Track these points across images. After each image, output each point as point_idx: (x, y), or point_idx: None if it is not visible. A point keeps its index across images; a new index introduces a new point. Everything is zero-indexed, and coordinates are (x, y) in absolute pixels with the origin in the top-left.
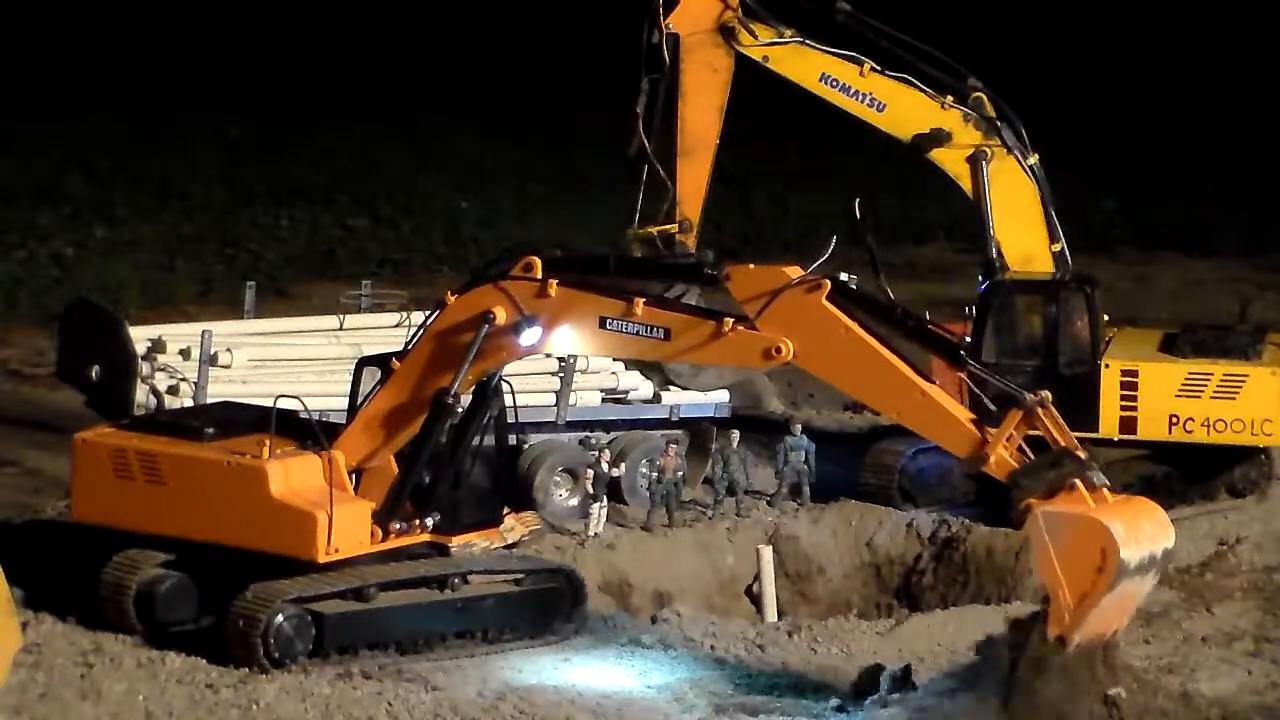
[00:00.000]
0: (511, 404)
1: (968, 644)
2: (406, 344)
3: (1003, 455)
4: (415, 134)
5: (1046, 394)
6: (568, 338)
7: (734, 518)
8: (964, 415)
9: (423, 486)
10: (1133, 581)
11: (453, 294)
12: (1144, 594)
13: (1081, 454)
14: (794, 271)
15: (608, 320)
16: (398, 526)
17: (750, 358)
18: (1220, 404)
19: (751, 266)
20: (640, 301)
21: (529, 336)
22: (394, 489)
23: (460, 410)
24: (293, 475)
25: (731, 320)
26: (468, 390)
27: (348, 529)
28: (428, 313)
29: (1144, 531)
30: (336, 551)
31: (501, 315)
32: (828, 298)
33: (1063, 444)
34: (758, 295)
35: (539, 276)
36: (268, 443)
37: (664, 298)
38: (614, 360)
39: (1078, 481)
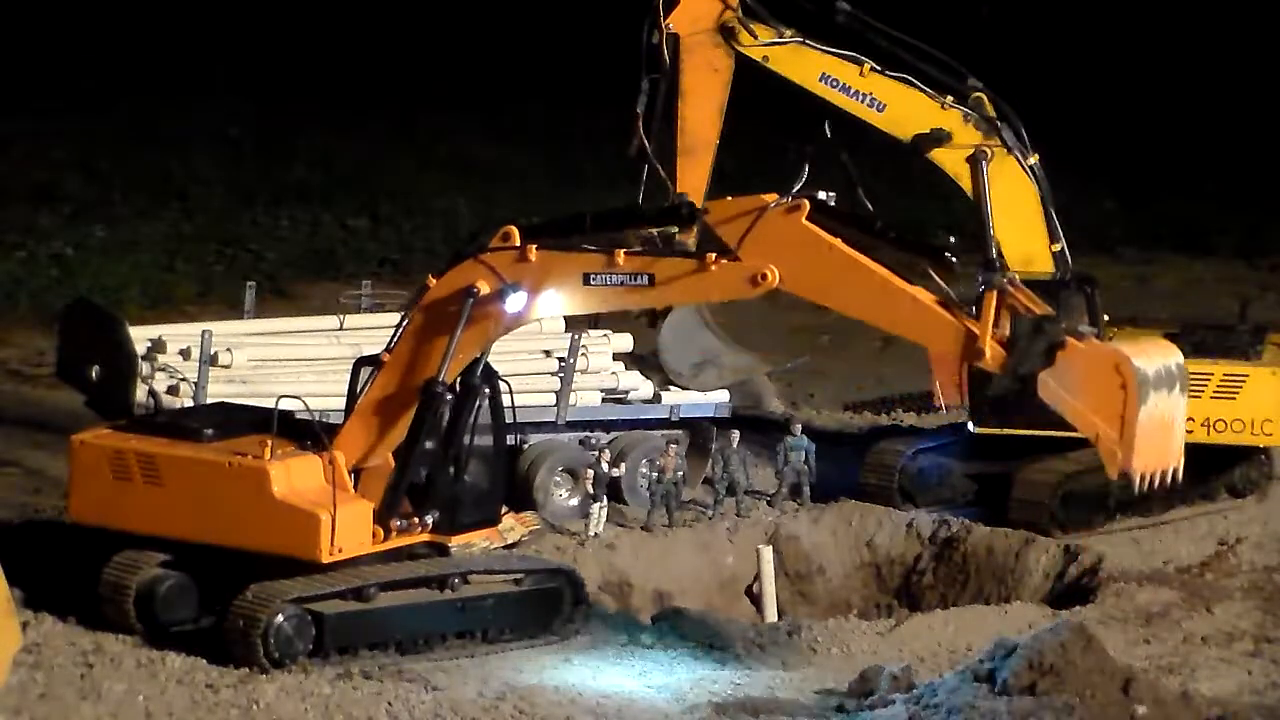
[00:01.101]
0: (511, 404)
1: (968, 644)
2: (393, 336)
3: (995, 347)
4: (415, 134)
5: (1014, 274)
6: (554, 299)
7: (734, 518)
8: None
9: (419, 482)
10: (1160, 396)
11: (434, 277)
12: (1181, 415)
13: (1055, 314)
14: (771, 198)
15: (591, 275)
16: (398, 524)
17: (737, 288)
18: (1220, 404)
19: (729, 199)
20: (621, 251)
21: (514, 303)
22: (391, 484)
23: (450, 398)
24: (295, 476)
25: (714, 254)
26: (458, 373)
27: (350, 529)
28: (410, 300)
29: (1148, 349)
30: (340, 551)
31: (485, 288)
32: (808, 217)
33: (1038, 313)
34: (736, 222)
35: (518, 244)
36: (269, 443)
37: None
38: (604, 311)
39: (1068, 338)
